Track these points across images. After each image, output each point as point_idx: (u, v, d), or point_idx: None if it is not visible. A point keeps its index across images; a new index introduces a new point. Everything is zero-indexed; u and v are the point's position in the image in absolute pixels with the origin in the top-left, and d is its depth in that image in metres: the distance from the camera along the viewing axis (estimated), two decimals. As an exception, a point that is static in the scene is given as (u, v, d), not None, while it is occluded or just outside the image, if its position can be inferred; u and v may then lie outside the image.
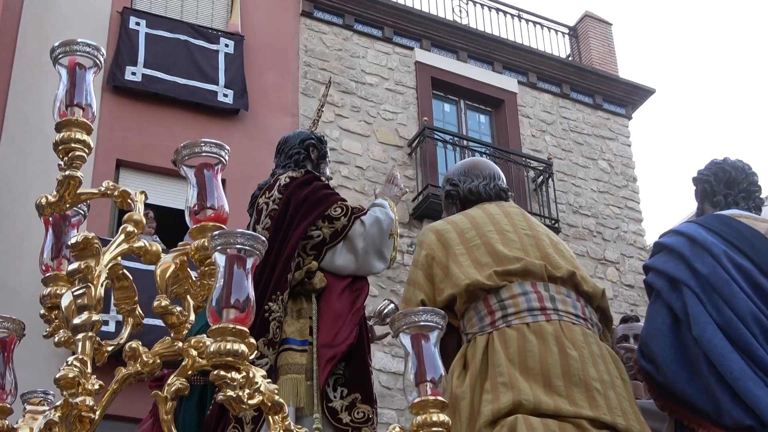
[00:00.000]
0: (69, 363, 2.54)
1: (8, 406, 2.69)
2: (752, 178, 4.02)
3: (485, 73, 15.86)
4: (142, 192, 2.82)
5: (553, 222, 14.57)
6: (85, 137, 2.73)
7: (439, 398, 2.74)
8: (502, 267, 3.68)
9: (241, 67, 13.67)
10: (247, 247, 2.60)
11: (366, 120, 14.51)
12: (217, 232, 2.63)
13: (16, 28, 12.70)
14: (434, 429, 2.69)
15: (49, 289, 2.80)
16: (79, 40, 2.83)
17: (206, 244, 2.65)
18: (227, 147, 2.88)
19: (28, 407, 2.61)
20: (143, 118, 12.66)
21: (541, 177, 15.10)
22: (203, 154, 2.81)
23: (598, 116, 16.55)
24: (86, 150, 2.73)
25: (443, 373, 2.81)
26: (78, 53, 2.82)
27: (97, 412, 2.51)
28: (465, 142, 15.22)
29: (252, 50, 13.98)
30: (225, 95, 13.33)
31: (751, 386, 3.24)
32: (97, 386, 2.55)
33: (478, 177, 4.16)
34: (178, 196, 11.82)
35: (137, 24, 13.45)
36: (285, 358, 3.90)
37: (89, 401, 2.48)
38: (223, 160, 2.85)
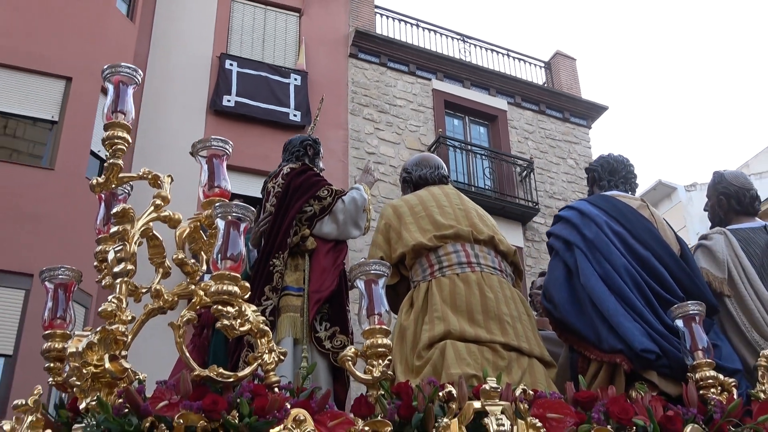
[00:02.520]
0: (109, 300, 2.53)
1: (68, 332, 2.70)
2: (629, 168, 3.96)
3: (483, 96, 15.70)
4: (169, 175, 2.81)
5: (534, 204, 14.44)
6: (125, 135, 2.72)
7: (384, 327, 2.70)
8: (440, 232, 3.66)
9: (306, 95, 13.65)
10: (240, 215, 2.60)
11: (397, 132, 14.47)
12: (218, 204, 2.63)
13: (144, 69, 12.79)
14: (379, 349, 2.66)
15: (100, 247, 2.81)
16: (122, 64, 2.81)
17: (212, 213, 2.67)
18: (230, 142, 2.86)
19: (77, 333, 2.59)
20: (236, 132, 12.63)
21: (525, 172, 14.92)
22: (213, 147, 2.81)
23: (566, 127, 16.30)
24: (126, 144, 2.72)
25: (387, 309, 2.77)
26: (121, 74, 2.78)
27: (129, 337, 2.51)
28: (469, 147, 15.10)
29: (314, 82, 13.94)
30: (294, 115, 13.34)
31: (622, 320, 3.20)
32: (130, 317, 2.54)
33: (426, 167, 4.12)
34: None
35: (231, 64, 13.47)
36: (285, 301, 3.89)
37: (122, 328, 2.46)
38: (227, 152, 2.83)
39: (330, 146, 13.60)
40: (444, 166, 4.19)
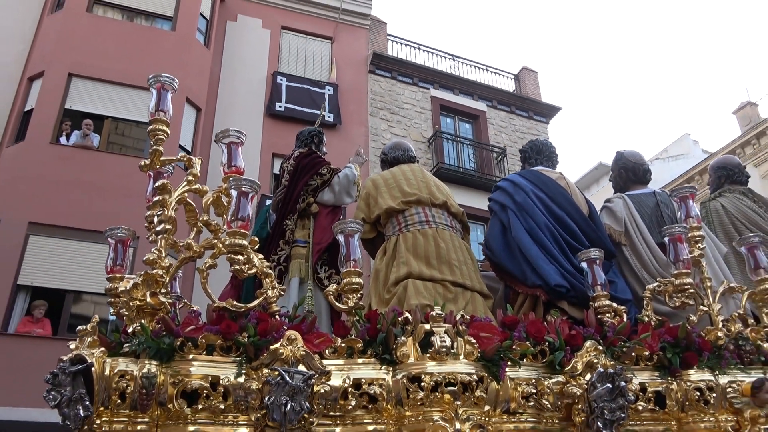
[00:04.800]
0: (152, 251, 2.49)
1: (125, 276, 2.63)
2: (552, 149, 3.86)
3: (468, 101, 15.49)
4: (199, 158, 2.73)
5: (506, 181, 14.26)
6: (165, 128, 2.63)
7: (357, 269, 2.64)
8: (405, 198, 3.59)
9: (337, 101, 13.56)
10: (249, 186, 2.54)
11: (404, 128, 14.37)
12: (232, 178, 2.57)
13: (217, 85, 12.75)
14: (353, 286, 2.60)
15: (149, 212, 2.73)
16: (162, 74, 2.68)
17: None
18: (245, 133, 2.76)
19: (127, 275, 2.54)
20: (285, 130, 12.57)
21: (500, 157, 14.75)
22: (231, 136, 2.71)
23: (530, 123, 16.03)
24: (166, 134, 2.63)
25: (360, 256, 2.71)
26: (162, 81, 2.67)
27: (167, 278, 2.46)
28: (458, 139, 14.94)
29: (343, 91, 13.86)
30: (329, 116, 13.22)
31: (541, 263, 3.14)
32: (167, 264, 2.50)
33: (399, 150, 4.03)
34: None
35: (281, 80, 13.38)
36: (295, 251, 3.83)
37: (161, 272, 2.42)
38: (242, 139, 2.73)
39: (355, 139, 13.47)
40: (412, 149, 4.10)
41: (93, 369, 2.09)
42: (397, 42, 15.66)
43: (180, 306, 3.15)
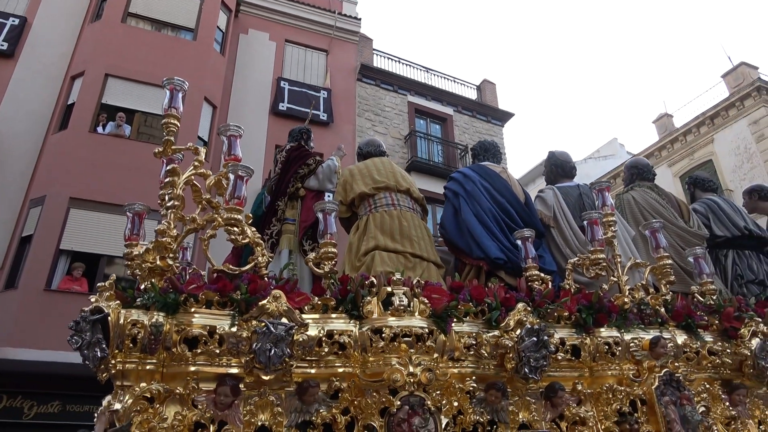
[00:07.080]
0: (162, 223, 2.44)
1: (140, 243, 2.58)
2: (497, 148, 3.84)
3: (438, 105, 15.38)
4: (204, 147, 2.68)
5: (467, 173, 14.24)
6: (176, 122, 2.56)
7: (333, 241, 2.62)
8: (375, 185, 3.55)
9: (330, 103, 13.38)
10: (244, 171, 2.49)
11: (385, 127, 14.24)
12: (230, 164, 2.52)
13: (230, 87, 12.53)
14: (329, 254, 2.58)
15: (161, 192, 2.65)
16: (175, 78, 2.60)
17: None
18: (242, 127, 2.71)
19: (141, 242, 2.49)
20: (286, 126, 12.20)
21: (463, 153, 14.68)
22: (231, 129, 2.65)
23: (489, 125, 15.95)
24: (177, 125, 2.56)
25: (336, 230, 2.68)
26: (174, 83, 2.59)
27: (174, 246, 2.42)
28: (430, 137, 14.85)
29: (335, 95, 13.68)
30: (323, 116, 13.06)
31: (484, 240, 3.13)
32: (174, 233, 2.46)
33: (372, 146, 3.98)
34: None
35: (284, 84, 13.17)
36: (285, 227, 3.78)
37: (169, 240, 2.38)
38: (240, 133, 2.67)
39: (344, 136, 13.35)
40: (383, 145, 4.05)
41: (109, 318, 2.06)
42: (380, 56, 15.47)
43: (190, 271, 3.11)
